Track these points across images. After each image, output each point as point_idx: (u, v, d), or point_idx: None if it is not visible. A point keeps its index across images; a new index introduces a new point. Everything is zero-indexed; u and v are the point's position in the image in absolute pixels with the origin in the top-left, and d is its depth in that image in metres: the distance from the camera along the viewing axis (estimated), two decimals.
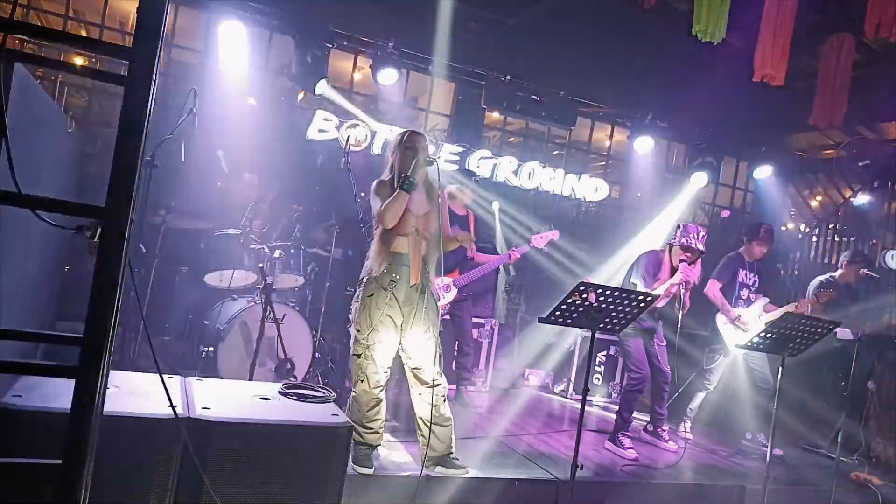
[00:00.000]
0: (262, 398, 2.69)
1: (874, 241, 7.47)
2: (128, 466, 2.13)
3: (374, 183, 3.33)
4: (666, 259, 4.55)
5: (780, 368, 3.60)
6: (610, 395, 6.15)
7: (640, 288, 4.44)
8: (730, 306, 5.03)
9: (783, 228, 8.50)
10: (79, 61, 6.13)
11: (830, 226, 8.21)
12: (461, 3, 5.69)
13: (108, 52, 1.35)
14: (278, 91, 6.76)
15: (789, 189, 8.52)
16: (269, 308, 4.06)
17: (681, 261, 4.40)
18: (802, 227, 8.56)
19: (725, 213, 8.49)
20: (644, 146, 7.08)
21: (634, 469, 4.17)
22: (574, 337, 6.19)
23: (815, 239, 8.32)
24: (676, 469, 4.26)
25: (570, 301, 3.03)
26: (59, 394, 2.12)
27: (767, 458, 3.57)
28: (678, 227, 4.55)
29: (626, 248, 6.53)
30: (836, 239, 8.05)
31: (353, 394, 3.35)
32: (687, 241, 4.42)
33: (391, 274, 3.26)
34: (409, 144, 3.31)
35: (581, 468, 3.08)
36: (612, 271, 6.32)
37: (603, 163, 8.33)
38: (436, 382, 3.30)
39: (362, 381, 3.28)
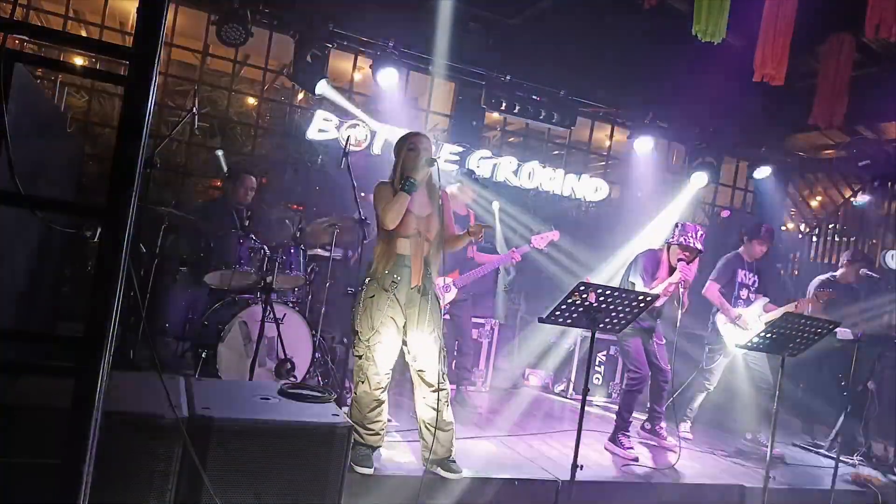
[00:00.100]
0: (262, 398, 2.68)
1: (874, 241, 7.47)
2: (128, 466, 2.13)
3: (377, 184, 3.34)
4: (664, 258, 4.55)
5: (781, 368, 3.60)
6: (610, 395, 6.15)
7: (639, 287, 4.45)
8: (729, 306, 5.03)
9: (783, 228, 8.50)
10: (79, 61, 6.13)
11: (830, 226, 8.21)
12: (461, 3, 5.69)
13: (108, 52, 1.35)
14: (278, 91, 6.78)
15: (789, 189, 8.52)
16: (269, 308, 4.06)
17: (679, 260, 4.41)
18: (802, 227, 8.56)
19: (725, 213, 8.49)
20: (644, 146, 7.07)
21: (634, 469, 4.17)
22: (574, 337, 6.19)
23: (815, 239, 8.32)
24: (676, 469, 4.26)
25: (570, 301, 3.03)
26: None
27: (767, 458, 3.58)
28: (677, 225, 4.56)
29: (626, 248, 6.53)
30: (836, 239, 8.05)
31: (354, 395, 3.35)
32: (685, 240, 4.42)
33: (392, 275, 3.26)
34: (412, 146, 3.32)
35: (581, 468, 3.08)
36: (612, 271, 6.32)
37: (603, 163, 8.33)
38: (441, 386, 3.30)
39: (363, 383, 3.28)
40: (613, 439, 4.49)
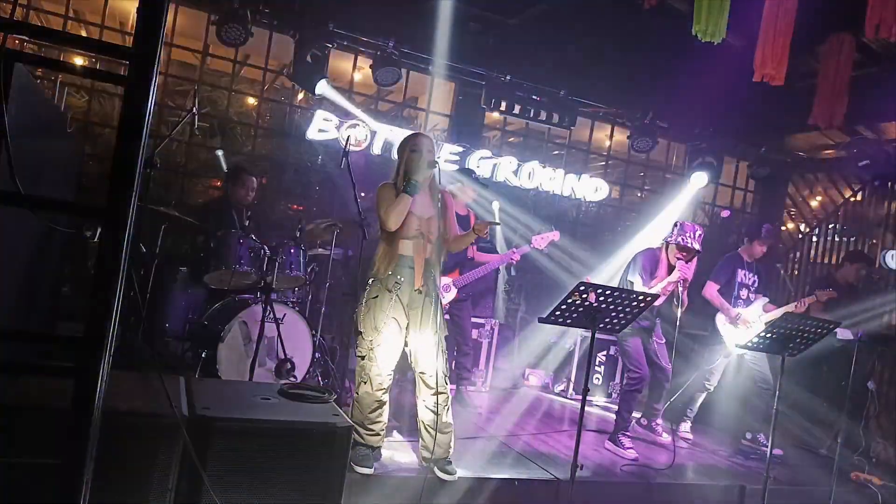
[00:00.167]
0: (262, 398, 2.68)
1: (874, 241, 7.47)
2: (127, 466, 2.12)
3: (380, 186, 3.35)
4: (663, 257, 4.55)
5: (781, 368, 3.60)
6: (610, 395, 6.15)
7: (637, 286, 4.45)
8: (729, 305, 5.03)
9: (783, 228, 8.50)
10: (79, 61, 6.13)
11: (830, 226, 8.20)
12: (461, 3, 5.68)
13: (108, 52, 1.35)
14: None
15: (789, 189, 8.52)
16: (269, 308, 4.06)
17: (677, 259, 4.41)
18: (802, 227, 8.56)
19: (725, 213, 8.49)
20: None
21: (634, 469, 4.17)
22: (574, 337, 6.19)
23: (815, 239, 8.31)
24: (676, 469, 4.26)
25: (570, 301, 3.03)
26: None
27: (767, 458, 3.58)
28: (675, 224, 4.55)
29: (626, 247, 6.53)
30: (836, 239, 8.04)
31: (356, 395, 3.36)
32: (683, 239, 4.41)
33: (396, 276, 3.26)
34: (414, 147, 3.32)
35: (581, 468, 3.08)
36: (612, 271, 6.32)
37: (603, 163, 8.33)
38: (441, 390, 3.30)
39: (365, 383, 3.29)
40: (613, 439, 4.49)
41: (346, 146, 4.31)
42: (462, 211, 5.04)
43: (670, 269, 4.45)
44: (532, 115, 6.59)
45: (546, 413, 5.46)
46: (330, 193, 6.51)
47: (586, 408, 3.19)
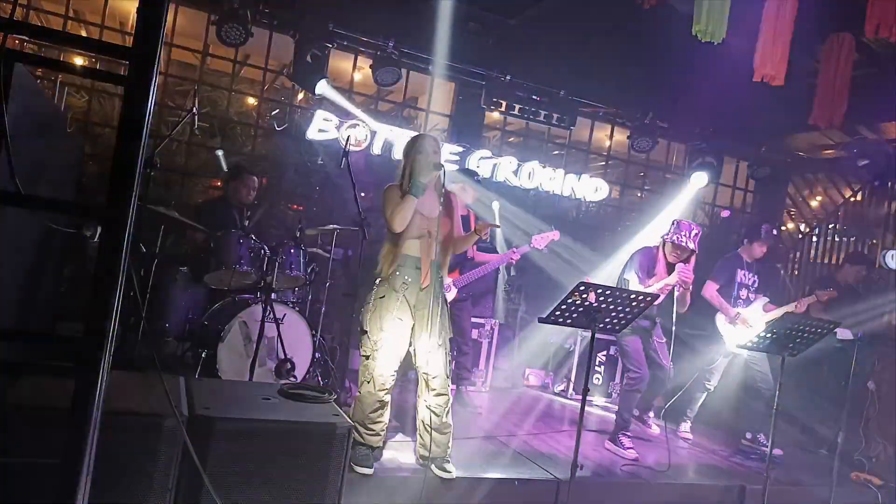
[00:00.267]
0: (262, 398, 2.68)
1: (874, 241, 7.47)
2: (128, 466, 2.13)
3: (386, 187, 3.36)
4: (660, 256, 4.51)
5: (781, 368, 3.60)
6: (610, 395, 6.15)
7: (633, 284, 4.42)
8: (728, 305, 5.03)
9: (783, 228, 8.50)
10: (79, 61, 6.13)
11: (830, 226, 8.20)
12: (461, 3, 5.68)
13: (108, 52, 1.35)
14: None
15: (789, 189, 8.52)
16: (269, 308, 4.06)
17: (676, 260, 4.38)
18: (802, 227, 8.56)
19: (725, 213, 8.49)
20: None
21: (634, 469, 4.17)
22: (574, 337, 6.19)
23: (815, 239, 8.31)
24: (676, 469, 4.26)
25: (569, 301, 3.03)
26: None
27: (767, 458, 3.58)
28: (672, 223, 4.52)
29: (626, 247, 6.52)
30: (836, 239, 8.05)
31: (358, 394, 3.36)
32: (678, 238, 4.36)
33: (403, 276, 3.27)
34: (420, 148, 3.33)
35: (581, 468, 3.08)
36: (612, 271, 6.30)
37: (603, 163, 8.33)
38: (443, 392, 3.31)
39: (368, 383, 3.29)
40: (614, 439, 4.49)
41: (346, 146, 4.31)
42: (462, 211, 5.04)
43: (669, 267, 4.43)
44: (532, 115, 6.60)
45: (546, 413, 5.46)
46: (330, 193, 6.51)
47: (586, 408, 3.19)
